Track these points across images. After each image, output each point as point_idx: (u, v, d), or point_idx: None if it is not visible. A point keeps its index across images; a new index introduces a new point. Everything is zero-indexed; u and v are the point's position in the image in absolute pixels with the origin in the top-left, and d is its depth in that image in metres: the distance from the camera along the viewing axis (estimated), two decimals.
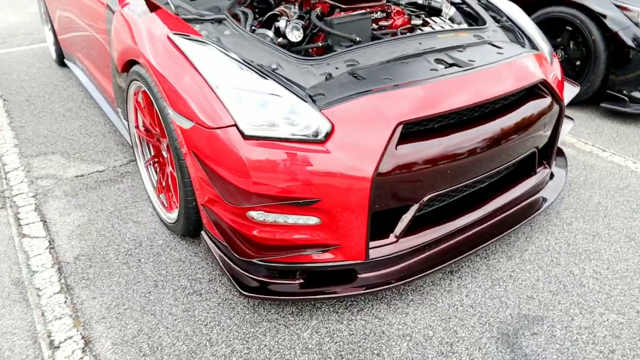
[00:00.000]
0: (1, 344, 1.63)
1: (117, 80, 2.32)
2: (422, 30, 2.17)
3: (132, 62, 2.06)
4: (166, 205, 2.09)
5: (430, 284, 1.84)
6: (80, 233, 2.11)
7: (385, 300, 1.76)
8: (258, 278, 1.65)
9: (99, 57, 2.71)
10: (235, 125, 1.54)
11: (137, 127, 2.21)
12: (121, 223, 2.17)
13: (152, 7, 2.04)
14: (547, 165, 2.15)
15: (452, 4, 2.43)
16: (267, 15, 2.08)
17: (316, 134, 1.54)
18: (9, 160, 2.70)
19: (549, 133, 2.05)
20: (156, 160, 2.17)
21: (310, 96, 1.60)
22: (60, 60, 3.95)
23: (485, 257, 1.97)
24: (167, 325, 1.66)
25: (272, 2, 2.20)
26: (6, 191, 2.43)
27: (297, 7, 2.12)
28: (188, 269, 1.90)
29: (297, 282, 1.65)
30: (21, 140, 2.90)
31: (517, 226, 1.97)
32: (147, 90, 1.92)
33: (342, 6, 2.14)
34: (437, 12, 2.39)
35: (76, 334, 1.64)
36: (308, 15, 2.05)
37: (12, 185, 2.47)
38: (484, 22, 2.22)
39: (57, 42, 3.86)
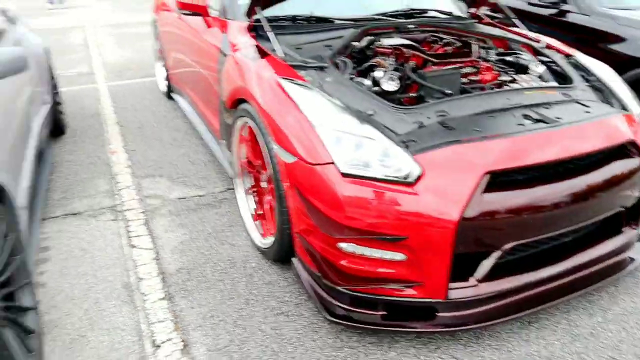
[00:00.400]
0: (112, 337, 1.86)
1: (224, 116, 2.60)
2: (510, 86, 2.28)
3: (241, 101, 2.32)
4: (261, 232, 2.29)
5: (508, 330, 1.87)
6: (182, 249, 2.36)
7: (462, 342, 1.82)
8: (343, 306, 1.77)
9: (206, 93, 3.05)
10: (333, 163, 1.72)
11: (239, 158, 2.46)
12: (218, 244, 2.39)
13: (262, 54, 2.31)
14: (634, 226, 2.13)
15: (541, 62, 2.52)
16: (365, 66, 2.28)
17: (407, 177, 1.67)
18: (122, 179, 3.06)
19: (637, 194, 2.05)
20: (255, 189, 2.40)
21: (403, 142, 1.75)
22: (169, 94, 4.42)
23: (565, 312, 1.97)
24: (256, 340, 1.82)
25: (369, 53, 2.41)
26: (118, 206, 2.76)
27: (392, 59, 2.30)
28: (277, 292, 2.06)
29: (379, 313, 1.75)
30: (133, 163, 3.28)
31: (600, 283, 1.96)
32: (253, 126, 2.17)
33: (435, 60, 2.30)
34: (525, 69, 2.48)
35: (176, 337, 1.84)
36: (403, 67, 2.23)
37: (124, 201, 2.80)
38: (572, 81, 2.28)
39: (167, 77, 4.33)
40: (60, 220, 2.62)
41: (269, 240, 2.16)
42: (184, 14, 2.93)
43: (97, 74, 5.55)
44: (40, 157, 2.68)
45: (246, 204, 2.46)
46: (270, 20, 2.44)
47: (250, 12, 2.45)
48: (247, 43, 2.43)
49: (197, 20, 3.02)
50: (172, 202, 2.78)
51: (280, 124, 1.96)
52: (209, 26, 2.90)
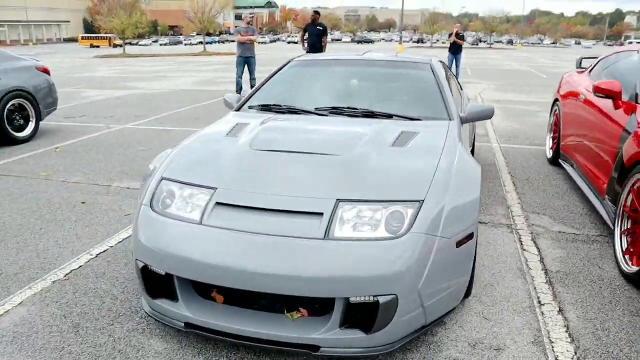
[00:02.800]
0: (510, 291, 2.88)
1: (614, 174, 3.35)
2: None
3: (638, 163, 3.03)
4: (629, 263, 2.95)
5: None
6: (560, 259, 3.24)
7: None
8: None
9: (598, 158, 3.83)
10: None
11: (624, 205, 3.17)
12: (590, 266, 3.16)
13: None
14: None
15: None
16: None
17: None
18: (514, 209, 4.16)
19: None
20: (632, 231, 3.06)
21: None
22: (553, 160, 5.36)
23: None
24: (614, 320, 2.53)
25: None
26: (512, 225, 3.84)
27: None
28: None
29: None
30: (522, 201, 4.35)
31: None
32: None
33: None
34: None
35: (554, 303, 2.73)
36: None
37: (517, 224, 3.87)
38: None
39: (556, 147, 5.28)
40: None
41: (634, 268, 2.82)
42: (598, 96, 3.83)
43: (491, 136, 7.00)
44: None
45: (619, 241, 3.14)
46: None
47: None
48: None
49: (607, 103, 3.87)
50: (553, 233, 3.69)
51: None
52: (617, 108, 3.71)
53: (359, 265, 2.01)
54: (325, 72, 3.96)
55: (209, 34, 55.67)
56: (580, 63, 5.87)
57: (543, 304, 2.73)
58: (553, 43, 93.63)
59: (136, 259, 2.31)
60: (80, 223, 3.82)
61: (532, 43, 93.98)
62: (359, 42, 75.80)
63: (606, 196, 3.54)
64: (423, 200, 2.22)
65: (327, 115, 3.28)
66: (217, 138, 2.97)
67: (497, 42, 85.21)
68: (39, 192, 4.54)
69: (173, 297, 2.27)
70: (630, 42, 74.22)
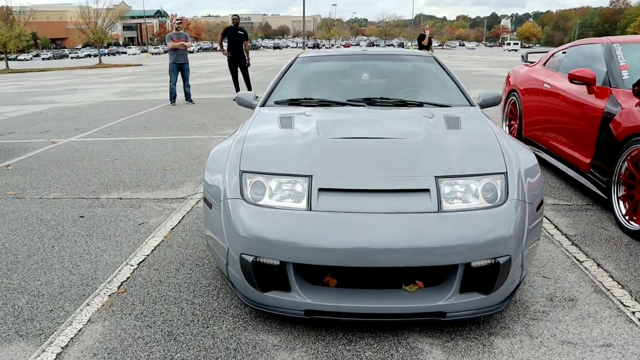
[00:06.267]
0: (548, 254, 3.22)
1: (599, 150, 3.86)
2: None
3: (635, 135, 3.50)
4: (626, 219, 3.44)
5: None
6: (571, 225, 3.66)
7: None
8: None
9: (575, 138, 4.37)
10: None
11: (619, 174, 3.66)
12: (595, 227, 3.62)
13: None
14: None
15: None
16: None
17: None
18: None
19: None
20: (630, 195, 3.55)
21: None
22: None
23: None
24: None
25: None
26: None
27: None
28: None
29: None
30: None
31: None
32: None
33: None
34: None
35: (586, 259, 3.10)
36: None
37: None
38: None
39: (517, 133, 5.85)
40: None
41: (637, 226, 3.33)
42: (574, 82, 4.35)
43: None
44: None
45: (617, 206, 3.63)
46: None
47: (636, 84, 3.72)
48: (631, 102, 3.69)
49: (581, 89, 4.40)
50: (550, 205, 4.13)
51: None
52: (591, 93, 4.24)
53: (477, 232, 2.17)
54: (337, 66, 4.06)
55: (104, 46, 52.41)
56: (527, 58, 6.57)
57: (582, 262, 3.08)
58: (440, 45, 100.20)
59: (241, 255, 2.26)
60: (94, 237, 3.55)
61: None
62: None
63: (591, 169, 4.06)
64: (506, 172, 2.44)
65: (364, 106, 3.40)
66: (273, 130, 2.96)
67: (389, 45, 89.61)
68: (22, 212, 4.12)
69: (286, 288, 2.26)
70: (509, 44, 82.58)
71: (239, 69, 11.39)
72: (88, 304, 2.63)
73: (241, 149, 2.69)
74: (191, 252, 3.26)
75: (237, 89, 11.62)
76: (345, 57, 4.20)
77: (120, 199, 4.44)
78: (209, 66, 28.48)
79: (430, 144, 2.64)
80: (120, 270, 3.01)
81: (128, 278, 2.91)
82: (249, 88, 11.58)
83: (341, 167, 2.45)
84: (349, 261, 2.13)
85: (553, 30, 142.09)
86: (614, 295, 2.66)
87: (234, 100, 3.85)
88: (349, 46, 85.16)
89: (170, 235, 3.56)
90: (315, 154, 2.56)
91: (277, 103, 3.61)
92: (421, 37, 15.42)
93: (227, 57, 11.29)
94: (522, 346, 2.22)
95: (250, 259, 2.24)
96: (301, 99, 3.58)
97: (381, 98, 3.50)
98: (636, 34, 50.43)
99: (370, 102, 3.46)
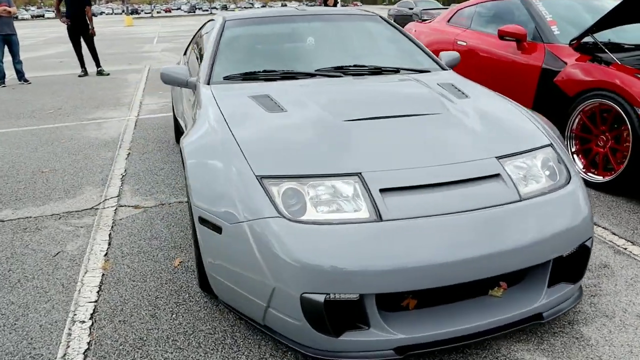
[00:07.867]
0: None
1: (537, 103, 3.92)
2: None
3: (589, 90, 3.55)
4: (590, 172, 3.57)
5: None
6: None
7: None
8: None
9: (509, 95, 4.40)
10: None
11: (571, 129, 3.74)
12: None
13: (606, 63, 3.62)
14: None
15: None
16: None
17: None
18: None
19: None
20: (586, 149, 3.65)
21: None
22: None
23: None
24: None
25: None
26: None
27: None
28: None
29: None
30: None
31: None
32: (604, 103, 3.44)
33: None
34: None
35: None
36: None
37: None
38: None
39: None
40: None
41: (599, 178, 3.49)
42: (504, 39, 4.33)
43: None
44: None
45: (573, 159, 3.73)
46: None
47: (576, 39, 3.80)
48: (574, 58, 3.78)
49: (508, 45, 4.41)
50: None
51: None
52: (522, 49, 4.28)
53: (565, 218, 1.90)
54: (276, 29, 3.40)
55: None
56: (422, 16, 6.54)
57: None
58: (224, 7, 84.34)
59: (303, 295, 1.65)
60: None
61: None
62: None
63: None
64: (551, 144, 2.21)
65: (340, 76, 2.87)
66: (260, 116, 2.27)
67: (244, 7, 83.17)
68: None
69: (363, 324, 1.74)
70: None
71: (82, 40, 9.59)
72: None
73: (238, 147, 2.00)
74: (157, 286, 2.45)
75: (82, 64, 9.86)
76: (281, 19, 3.53)
77: (2, 221, 3.26)
78: (30, 37, 23.98)
79: (462, 118, 2.27)
80: (66, 345, 2.09)
81: (85, 352, 2.03)
82: (97, 62, 9.89)
83: (388, 158, 1.95)
84: (446, 279, 1.69)
85: None
86: (615, 244, 2.69)
87: (161, 78, 2.97)
88: (169, 11, 77.67)
89: (109, 266, 2.67)
90: (347, 143, 2.01)
91: (227, 79, 2.87)
92: None
93: (66, 26, 9.40)
94: (610, 330, 2.04)
95: (320, 298, 1.65)
96: (258, 71, 2.90)
97: (355, 66, 3.00)
98: None
99: (342, 70, 2.94)
